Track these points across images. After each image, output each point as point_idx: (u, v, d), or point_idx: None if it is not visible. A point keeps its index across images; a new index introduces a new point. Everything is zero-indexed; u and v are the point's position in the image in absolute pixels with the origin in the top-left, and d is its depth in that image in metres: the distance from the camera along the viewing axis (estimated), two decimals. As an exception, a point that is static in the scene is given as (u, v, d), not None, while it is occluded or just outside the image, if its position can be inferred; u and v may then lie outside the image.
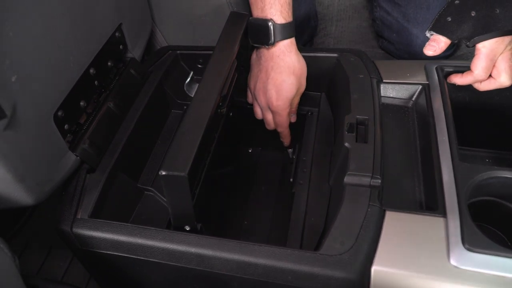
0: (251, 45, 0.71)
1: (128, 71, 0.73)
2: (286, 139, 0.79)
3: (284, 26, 0.67)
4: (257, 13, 0.68)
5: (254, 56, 0.73)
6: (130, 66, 0.74)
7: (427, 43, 0.64)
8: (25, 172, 0.50)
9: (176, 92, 0.80)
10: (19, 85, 0.49)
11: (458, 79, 0.66)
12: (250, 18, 0.68)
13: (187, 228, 0.55)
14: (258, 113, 0.77)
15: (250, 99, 0.78)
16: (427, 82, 0.68)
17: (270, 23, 0.66)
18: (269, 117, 0.74)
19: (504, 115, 0.71)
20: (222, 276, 0.53)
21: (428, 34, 0.63)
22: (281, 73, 0.69)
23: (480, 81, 0.64)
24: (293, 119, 0.77)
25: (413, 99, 0.69)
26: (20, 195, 0.51)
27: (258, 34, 0.68)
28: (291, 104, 0.72)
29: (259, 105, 0.75)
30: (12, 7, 0.48)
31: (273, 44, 0.67)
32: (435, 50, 0.63)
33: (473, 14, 0.60)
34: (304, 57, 0.71)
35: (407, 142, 0.65)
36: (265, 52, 0.70)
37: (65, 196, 0.59)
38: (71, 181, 0.60)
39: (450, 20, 0.61)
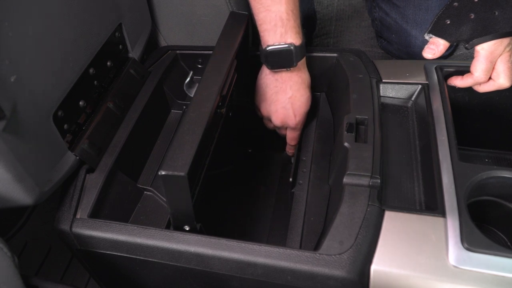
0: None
1: (128, 71, 0.73)
2: (293, 151, 0.79)
3: (302, 46, 0.66)
4: (275, 39, 0.65)
5: (266, 79, 0.71)
6: (130, 66, 0.74)
7: (426, 46, 0.64)
8: (25, 172, 0.50)
9: (176, 92, 0.80)
10: (18, 85, 0.49)
11: (459, 82, 0.66)
12: (269, 47, 0.65)
13: (187, 228, 0.55)
14: (271, 127, 0.78)
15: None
16: (427, 82, 0.68)
17: (292, 47, 0.65)
18: (285, 133, 0.76)
19: (503, 115, 0.71)
20: (222, 276, 0.53)
21: (426, 37, 0.63)
22: (299, 90, 0.70)
23: (480, 83, 0.64)
24: None
25: (413, 99, 0.69)
26: (20, 195, 0.51)
27: (281, 60, 0.66)
28: None
29: (273, 123, 0.75)
30: (12, 7, 0.48)
31: (295, 65, 0.67)
32: (434, 53, 0.63)
33: (471, 17, 0.60)
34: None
35: (407, 142, 0.65)
36: (283, 74, 0.69)
37: (64, 196, 0.59)
38: (70, 181, 0.60)
39: (448, 22, 0.61)
